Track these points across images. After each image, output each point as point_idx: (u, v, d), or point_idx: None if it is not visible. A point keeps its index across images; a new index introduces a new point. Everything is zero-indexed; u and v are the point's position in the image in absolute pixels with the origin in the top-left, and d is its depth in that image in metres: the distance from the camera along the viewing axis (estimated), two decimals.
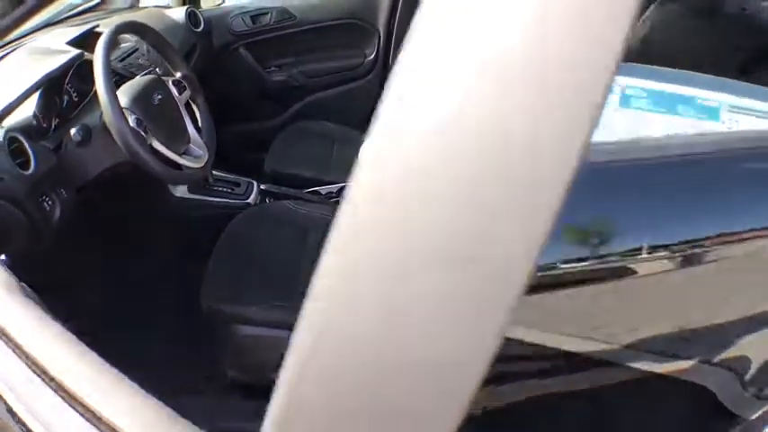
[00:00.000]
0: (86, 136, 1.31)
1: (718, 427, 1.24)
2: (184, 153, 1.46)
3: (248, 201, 1.83)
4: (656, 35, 1.69)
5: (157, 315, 1.69)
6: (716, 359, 1.11)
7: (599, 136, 1.01)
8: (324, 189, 1.96)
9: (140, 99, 1.36)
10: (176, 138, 1.45)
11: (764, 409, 1.22)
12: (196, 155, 1.50)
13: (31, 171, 1.15)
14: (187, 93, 1.54)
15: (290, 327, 1.53)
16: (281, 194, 1.91)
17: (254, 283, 1.42)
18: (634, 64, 1.07)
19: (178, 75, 1.56)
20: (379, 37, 2.37)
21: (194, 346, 1.58)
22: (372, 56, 2.40)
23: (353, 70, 2.41)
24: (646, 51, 1.57)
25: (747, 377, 1.15)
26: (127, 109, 1.31)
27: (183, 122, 1.50)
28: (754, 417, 1.21)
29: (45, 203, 1.19)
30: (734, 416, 1.21)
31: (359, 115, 2.37)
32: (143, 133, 1.31)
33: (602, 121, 1.02)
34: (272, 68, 2.37)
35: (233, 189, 1.85)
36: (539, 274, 0.94)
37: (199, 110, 1.57)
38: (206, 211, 1.81)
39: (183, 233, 1.81)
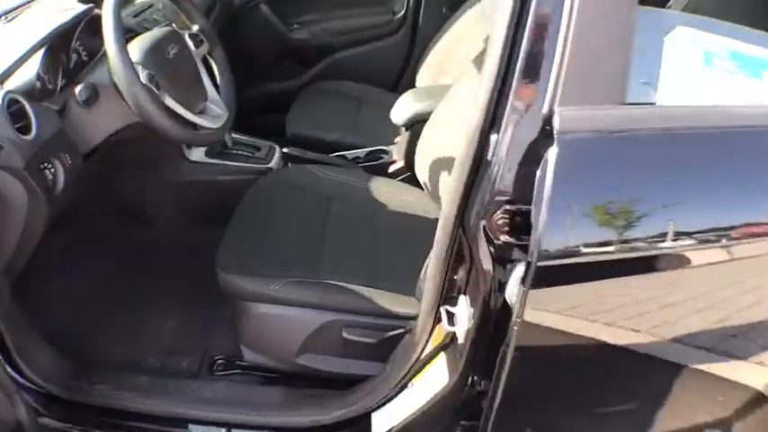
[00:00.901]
0: (93, 94, 1.21)
1: None
2: (201, 112, 1.36)
3: (270, 165, 1.72)
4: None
5: (171, 287, 1.61)
6: None
7: (685, 98, 0.90)
8: (350, 153, 1.86)
9: (153, 52, 1.26)
10: (192, 95, 1.35)
11: None
12: (214, 114, 1.39)
13: (32, 136, 1.06)
14: (205, 46, 1.43)
15: (310, 305, 1.40)
16: (304, 159, 1.80)
17: (272, 256, 1.31)
18: (712, 19, 0.96)
19: (195, 28, 1.45)
20: None
21: (209, 324, 1.50)
22: (402, 13, 2.27)
23: (380, 28, 2.29)
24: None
25: None
26: (138, 63, 1.21)
27: (199, 78, 1.40)
28: None
29: (47, 171, 1.10)
30: None
31: (386, 75, 2.28)
32: (155, 89, 1.21)
33: (688, 80, 0.93)
34: (295, 26, 2.26)
35: (253, 153, 1.75)
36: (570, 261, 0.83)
37: (217, 65, 1.46)
38: (224, 176, 1.71)
39: (200, 200, 1.72)
